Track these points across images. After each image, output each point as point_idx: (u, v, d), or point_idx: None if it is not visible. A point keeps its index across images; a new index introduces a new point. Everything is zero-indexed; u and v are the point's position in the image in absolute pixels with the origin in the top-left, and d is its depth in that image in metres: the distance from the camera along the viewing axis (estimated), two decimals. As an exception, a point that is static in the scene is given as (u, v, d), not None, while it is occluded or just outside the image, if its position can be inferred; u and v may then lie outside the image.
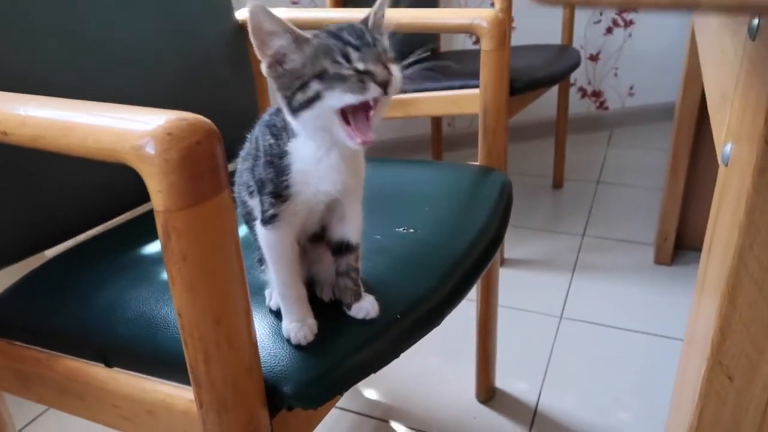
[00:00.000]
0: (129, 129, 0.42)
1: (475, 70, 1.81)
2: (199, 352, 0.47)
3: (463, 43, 2.41)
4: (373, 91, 0.53)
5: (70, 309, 0.70)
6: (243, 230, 0.66)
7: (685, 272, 1.61)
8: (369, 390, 1.27)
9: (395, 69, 0.54)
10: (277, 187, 0.57)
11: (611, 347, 1.36)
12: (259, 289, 0.67)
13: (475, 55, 2.14)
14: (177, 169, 0.41)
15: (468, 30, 0.96)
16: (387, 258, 0.72)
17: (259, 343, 0.55)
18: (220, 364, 0.48)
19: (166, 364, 0.61)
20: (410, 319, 0.64)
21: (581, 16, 2.45)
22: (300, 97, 0.53)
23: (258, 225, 0.60)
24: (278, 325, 0.61)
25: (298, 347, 0.58)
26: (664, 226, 1.64)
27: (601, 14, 2.50)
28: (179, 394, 0.59)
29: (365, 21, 0.57)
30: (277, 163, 0.57)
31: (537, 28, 2.18)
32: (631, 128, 2.67)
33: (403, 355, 0.63)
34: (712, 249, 0.56)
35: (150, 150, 0.41)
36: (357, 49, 0.53)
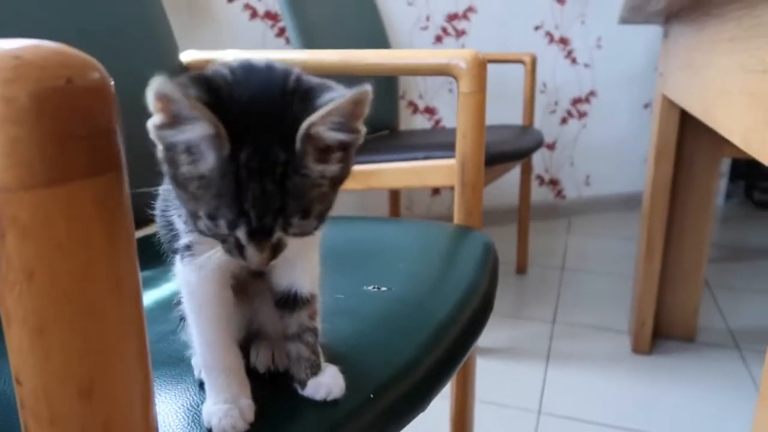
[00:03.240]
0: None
1: (438, 143, 1.72)
2: (49, 446, 0.28)
3: (422, 123, 2.36)
4: (241, 262, 0.38)
5: None
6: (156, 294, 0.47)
7: (666, 362, 1.47)
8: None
9: (288, 240, 0.38)
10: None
11: (599, 448, 1.18)
12: (178, 360, 0.48)
13: (436, 133, 2.10)
14: (28, 118, 0.24)
15: (444, 71, 0.85)
16: (353, 320, 0.55)
17: (164, 435, 0.36)
18: (88, 468, 0.29)
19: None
20: (387, 400, 0.46)
21: (538, 105, 2.45)
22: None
23: (177, 259, 0.42)
24: (199, 406, 0.42)
25: (224, 442, 0.39)
26: (641, 312, 1.52)
27: (555, 104, 2.51)
28: None
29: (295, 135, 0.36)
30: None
31: (495, 113, 2.14)
32: (589, 217, 2.63)
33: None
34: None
35: (-19, 83, 0.24)
36: (250, 233, 0.36)
